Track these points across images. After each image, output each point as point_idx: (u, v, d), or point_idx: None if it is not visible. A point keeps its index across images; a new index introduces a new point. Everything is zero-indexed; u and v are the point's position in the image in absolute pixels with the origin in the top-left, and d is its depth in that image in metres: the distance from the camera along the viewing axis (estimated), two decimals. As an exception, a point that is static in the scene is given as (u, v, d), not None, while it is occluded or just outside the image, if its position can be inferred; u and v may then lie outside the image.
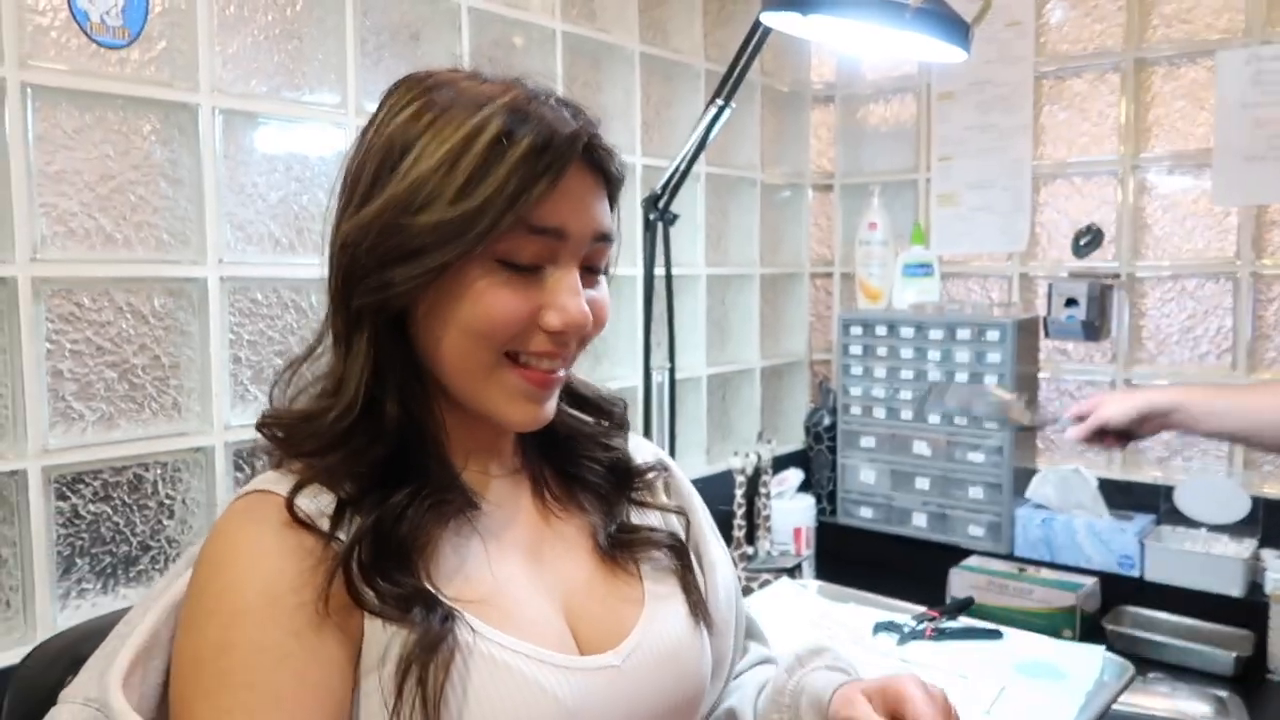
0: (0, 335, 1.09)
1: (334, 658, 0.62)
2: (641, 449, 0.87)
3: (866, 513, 2.18)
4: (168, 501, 1.25)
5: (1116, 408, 1.29)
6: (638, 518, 0.81)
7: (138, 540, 1.23)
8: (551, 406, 0.71)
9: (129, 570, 1.22)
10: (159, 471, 1.24)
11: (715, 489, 2.01)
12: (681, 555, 0.80)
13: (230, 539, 0.63)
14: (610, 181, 0.71)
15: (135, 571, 1.22)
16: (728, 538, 1.97)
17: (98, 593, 1.19)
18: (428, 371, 0.70)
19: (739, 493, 1.94)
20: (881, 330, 2.12)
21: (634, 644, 0.72)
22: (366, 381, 0.66)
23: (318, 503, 0.65)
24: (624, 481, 0.81)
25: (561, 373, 0.70)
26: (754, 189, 2.23)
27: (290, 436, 0.68)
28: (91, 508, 1.18)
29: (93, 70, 1.15)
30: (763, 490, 2.03)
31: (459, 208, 0.62)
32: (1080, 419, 1.33)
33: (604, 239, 0.70)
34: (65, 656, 0.73)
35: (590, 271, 0.71)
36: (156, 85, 1.20)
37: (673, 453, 1.75)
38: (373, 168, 0.66)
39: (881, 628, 1.44)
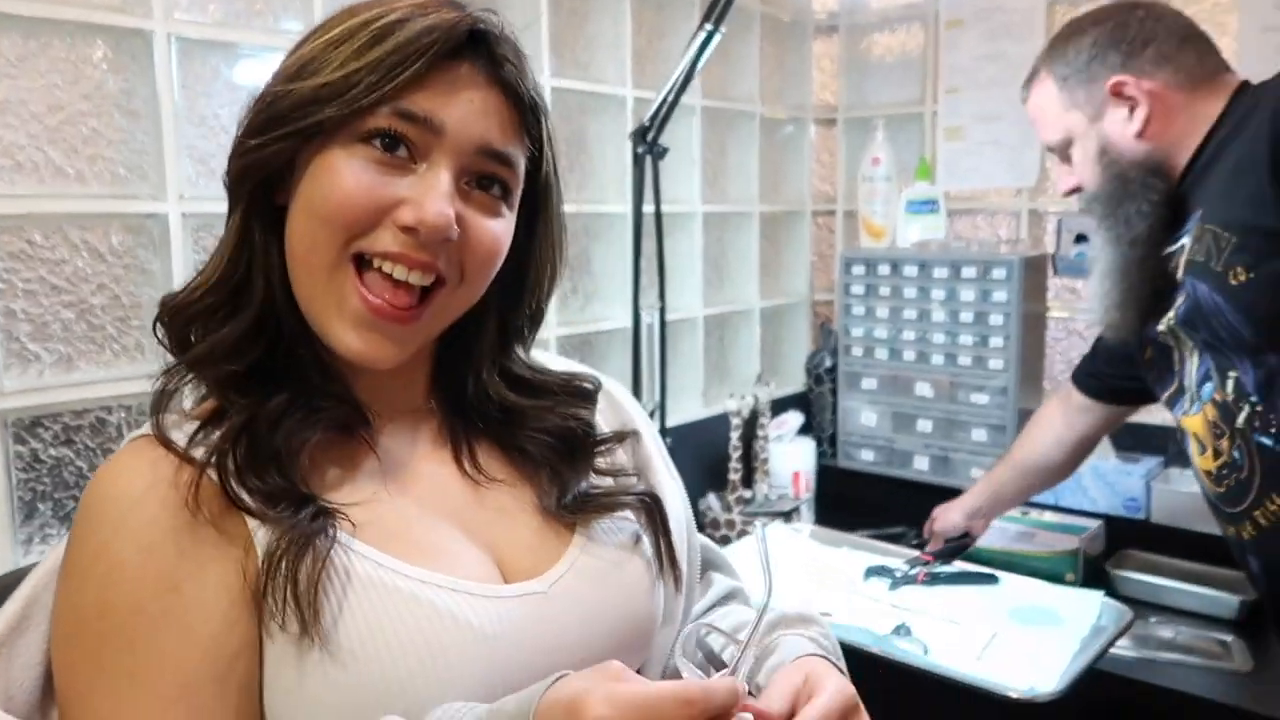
0: (-53, 274, 1.05)
1: (220, 602, 0.58)
2: (611, 404, 0.83)
3: (867, 456, 2.14)
4: (134, 446, 1.22)
5: (946, 521, 1.56)
6: (597, 479, 0.76)
7: (104, 485, 1.19)
8: (396, 352, 0.64)
9: (96, 516, 1.19)
10: (123, 415, 1.21)
11: (711, 432, 1.97)
12: (651, 514, 0.74)
13: (101, 492, 0.60)
14: (517, 100, 0.65)
15: (102, 517, 1.19)
16: (723, 481, 1.94)
17: (61, 537, 1.16)
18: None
19: (735, 435, 1.90)
20: (885, 269, 2.05)
21: (561, 571, 0.68)
22: (233, 258, 0.64)
23: (184, 430, 0.63)
24: (579, 449, 0.75)
25: (421, 309, 0.64)
26: (753, 123, 2.14)
27: (170, 324, 0.65)
28: (53, 451, 1.15)
29: (35, -7, 1.09)
30: (760, 433, 1.99)
31: (336, 75, 0.61)
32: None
33: (497, 158, 0.65)
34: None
35: (482, 195, 0.65)
36: (107, 10, 1.14)
37: (664, 395, 1.71)
38: (281, 61, 0.66)
39: (873, 572, 1.41)
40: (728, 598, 0.87)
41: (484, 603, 0.63)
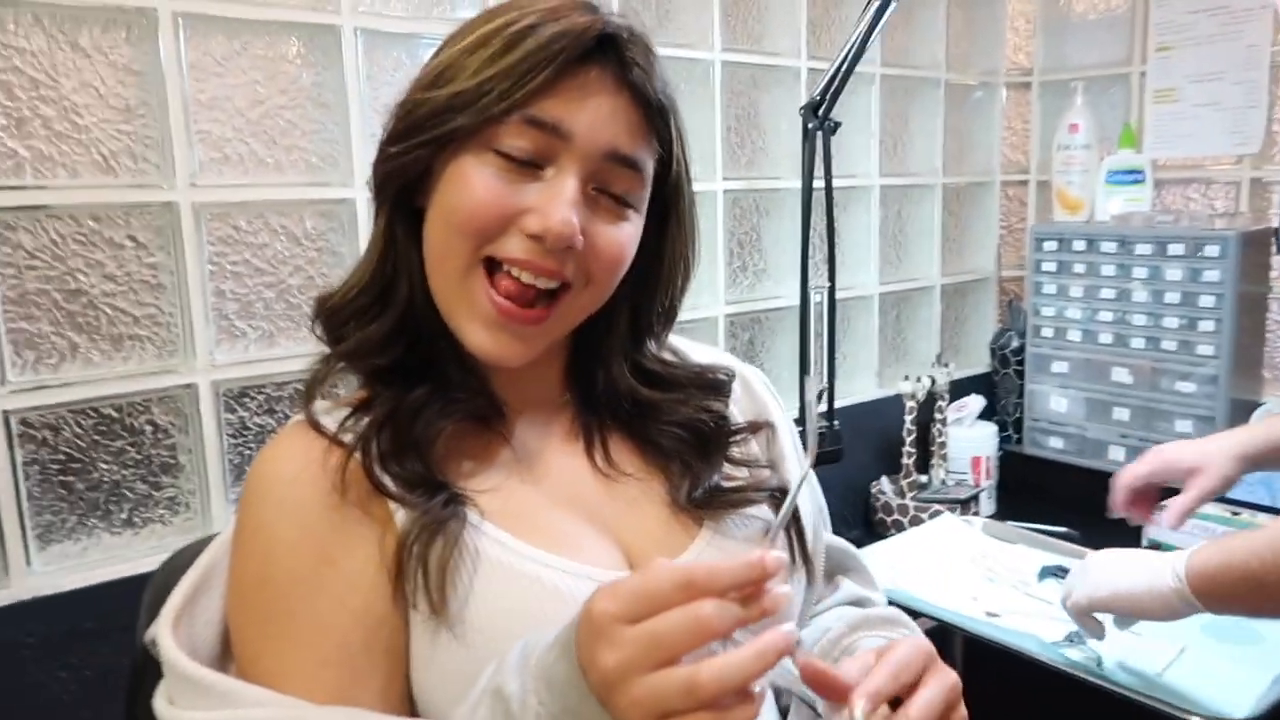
0: (167, 258, 1.17)
1: (370, 576, 0.62)
2: (746, 390, 0.82)
3: (1056, 443, 2.01)
4: (326, 415, 1.31)
5: (1213, 474, 1.10)
6: (730, 470, 0.75)
7: (299, 451, 1.30)
8: (524, 351, 0.66)
9: (292, 479, 1.29)
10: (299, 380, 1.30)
11: (885, 413, 1.92)
12: (780, 506, 0.73)
13: (262, 473, 0.65)
14: (645, 103, 0.65)
15: (298, 480, 1.30)
16: (897, 465, 1.88)
17: (265, 498, 1.28)
18: None
19: (909, 419, 1.84)
20: (1080, 245, 1.91)
21: (686, 560, 0.68)
22: (379, 262, 0.68)
23: (335, 416, 0.67)
24: (712, 442, 0.74)
25: (548, 311, 0.65)
26: (937, 90, 2.04)
27: (326, 323, 0.70)
28: (257, 420, 1.26)
29: (240, -3, 1.18)
30: (938, 416, 1.91)
31: (470, 83, 0.62)
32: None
33: (625, 163, 0.64)
34: (188, 567, 0.77)
35: (610, 201, 0.65)
36: (300, 9, 1.22)
37: (833, 375, 1.67)
38: (420, 69, 0.68)
39: (1049, 572, 1.32)
40: (854, 604, 0.83)
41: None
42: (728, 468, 0.75)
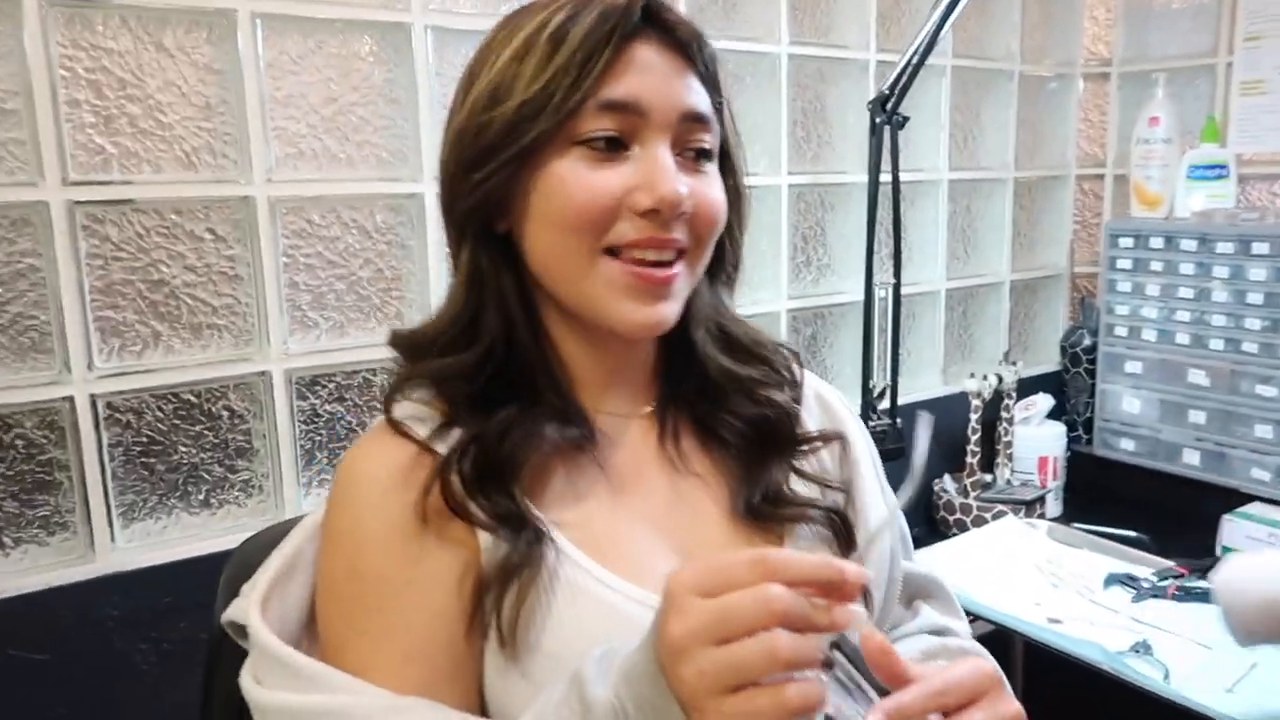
0: (244, 250, 1.21)
1: (453, 583, 0.63)
2: (823, 408, 0.80)
3: (1128, 445, 1.96)
4: (393, 404, 1.35)
5: None
6: (798, 483, 0.74)
7: (367, 438, 1.33)
8: (670, 311, 0.66)
9: (360, 465, 1.33)
10: (385, 377, 1.33)
11: (949, 411, 1.89)
12: (839, 533, 0.72)
13: (353, 472, 0.67)
14: (692, 58, 0.66)
15: (365, 467, 1.33)
16: (960, 464, 1.85)
17: (334, 484, 1.32)
18: (537, 290, 0.69)
19: (974, 417, 1.81)
20: (1158, 242, 1.85)
21: None
22: (466, 295, 0.67)
23: (427, 425, 0.67)
24: (774, 443, 0.74)
25: (676, 269, 0.65)
26: (1010, 82, 1.99)
27: (408, 352, 0.70)
28: (328, 407, 1.30)
29: (315, -4, 1.21)
30: (1004, 415, 1.88)
31: (532, 89, 0.62)
32: None
33: (696, 119, 0.65)
34: (264, 550, 0.80)
35: (693, 158, 0.66)
36: (373, 7, 1.25)
37: (896, 372, 1.65)
38: (461, 92, 0.68)
39: (1115, 580, 1.30)
40: (933, 633, 0.80)
41: None
42: (795, 482, 0.74)
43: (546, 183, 0.64)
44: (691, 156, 0.66)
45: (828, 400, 0.81)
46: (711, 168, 0.68)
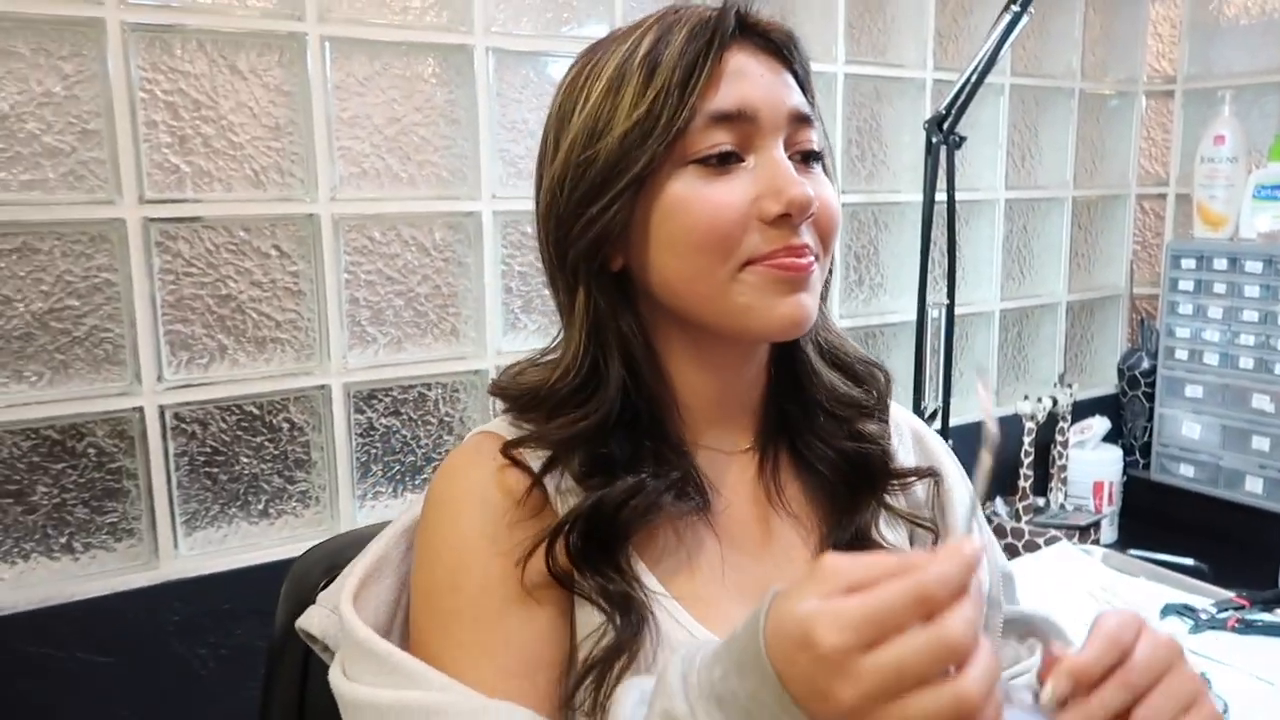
0: (308, 266, 1.24)
1: (557, 613, 0.62)
2: (916, 440, 0.78)
3: (1187, 471, 1.92)
4: (447, 419, 1.37)
5: None
6: (886, 527, 0.71)
7: (422, 452, 1.36)
8: (811, 303, 0.63)
9: (415, 478, 1.35)
10: (440, 391, 1.36)
11: (1002, 433, 1.86)
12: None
13: (453, 478, 0.66)
14: (789, 59, 0.65)
15: (420, 480, 1.36)
16: (1012, 487, 1.83)
17: (389, 496, 1.34)
18: (655, 323, 0.67)
19: (1027, 439, 1.78)
20: (1221, 264, 1.82)
21: None
22: (585, 342, 0.65)
23: (536, 455, 0.65)
24: (867, 480, 0.71)
25: (811, 260, 0.62)
26: (1070, 100, 1.97)
27: (519, 406, 0.68)
28: (384, 421, 1.33)
29: (379, 20, 1.23)
30: (1059, 438, 1.85)
31: (634, 116, 0.61)
32: None
33: (802, 120, 0.64)
34: (325, 560, 0.82)
35: (801, 160, 0.64)
36: (435, 30, 1.27)
37: (949, 392, 1.63)
38: (553, 134, 0.66)
39: (1172, 610, 1.26)
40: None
41: None
42: (885, 522, 0.71)
43: (666, 206, 0.62)
44: (800, 159, 0.64)
45: (923, 437, 0.78)
46: (819, 169, 0.66)
